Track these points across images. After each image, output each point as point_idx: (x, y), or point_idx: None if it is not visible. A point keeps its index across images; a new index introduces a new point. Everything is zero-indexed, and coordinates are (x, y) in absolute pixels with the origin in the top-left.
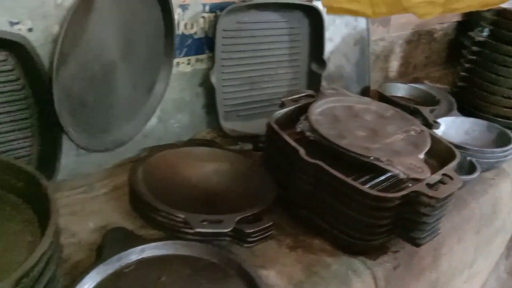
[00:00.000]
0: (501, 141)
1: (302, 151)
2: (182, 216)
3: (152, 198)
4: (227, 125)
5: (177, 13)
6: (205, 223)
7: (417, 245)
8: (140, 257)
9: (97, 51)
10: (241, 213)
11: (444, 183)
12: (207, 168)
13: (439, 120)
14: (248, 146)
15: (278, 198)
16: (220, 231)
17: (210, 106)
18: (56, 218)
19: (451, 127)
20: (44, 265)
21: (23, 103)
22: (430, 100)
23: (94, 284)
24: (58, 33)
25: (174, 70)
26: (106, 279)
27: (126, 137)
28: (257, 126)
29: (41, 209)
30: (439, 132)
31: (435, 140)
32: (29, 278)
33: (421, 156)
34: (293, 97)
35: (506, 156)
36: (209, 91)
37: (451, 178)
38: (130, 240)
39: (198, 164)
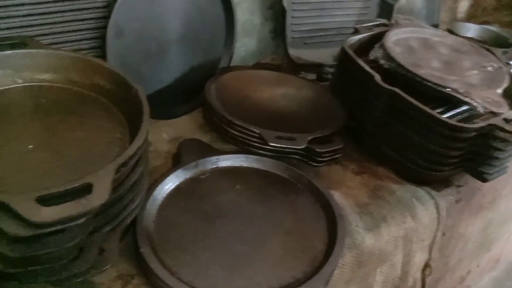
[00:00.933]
0: None
1: (378, 77)
2: (257, 131)
3: (227, 113)
4: (293, 52)
5: None
6: (279, 139)
7: (484, 180)
8: (215, 166)
9: (154, 29)
10: (313, 133)
11: None
12: (275, 91)
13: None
14: (311, 76)
15: (346, 124)
16: (293, 148)
17: (278, 31)
18: (148, 117)
19: None
20: (138, 158)
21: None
22: (502, 43)
23: (174, 185)
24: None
25: None
26: (185, 182)
27: (180, 113)
28: (323, 56)
29: (129, 111)
30: None
31: None
32: (127, 167)
33: (499, 91)
34: (367, 24)
35: None
36: (278, 15)
37: None
38: (205, 150)
39: (266, 87)
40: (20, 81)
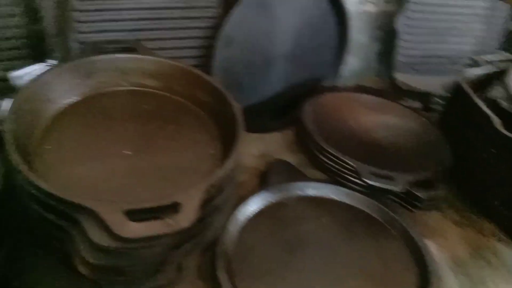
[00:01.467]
0: None
1: (497, 121)
2: (352, 163)
3: (321, 139)
4: (400, 77)
5: None
6: (375, 176)
7: None
8: (301, 193)
9: (261, 43)
10: (414, 175)
11: None
12: (375, 119)
13: None
14: (416, 104)
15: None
16: (390, 189)
17: (385, 53)
18: (242, 139)
19: None
20: (229, 179)
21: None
22: None
23: (258, 208)
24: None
25: (359, 8)
26: (269, 206)
27: (272, 128)
28: (432, 84)
29: (225, 126)
30: None
31: None
32: (215, 188)
33: None
34: (488, 57)
35: None
36: (388, 37)
37: None
38: (293, 174)
39: (366, 113)
40: (125, 84)
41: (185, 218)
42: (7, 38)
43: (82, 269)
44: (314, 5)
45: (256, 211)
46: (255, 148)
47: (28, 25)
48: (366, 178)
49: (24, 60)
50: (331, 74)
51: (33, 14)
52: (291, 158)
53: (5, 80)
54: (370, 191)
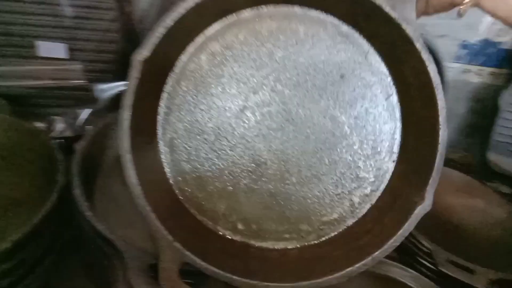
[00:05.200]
0: None
1: None
2: (428, 245)
3: None
4: (493, 157)
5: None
6: (452, 264)
7: None
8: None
9: None
10: (498, 272)
11: None
12: (459, 199)
13: None
14: (505, 189)
15: None
16: (468, 283)
17: (480, 128)
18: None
19: None
20: None
21: None
22: None
23: None
24: None
25: (460, 76)
26: None
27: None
28: None
29: None
30: None
31: None
32: None
33: None
34: None
35: None
36: (487, 111)
37: None
38: None
39: (450, 191)
40: None
41: None
42: (99, 51)
43: None
44: None
45: None
46: None
47: (121, 43)
48: (441, 265)
49: (110, 75)
50: None
51: (127, 33)
52: None
53: (88, 90)
54: (442, 280)
